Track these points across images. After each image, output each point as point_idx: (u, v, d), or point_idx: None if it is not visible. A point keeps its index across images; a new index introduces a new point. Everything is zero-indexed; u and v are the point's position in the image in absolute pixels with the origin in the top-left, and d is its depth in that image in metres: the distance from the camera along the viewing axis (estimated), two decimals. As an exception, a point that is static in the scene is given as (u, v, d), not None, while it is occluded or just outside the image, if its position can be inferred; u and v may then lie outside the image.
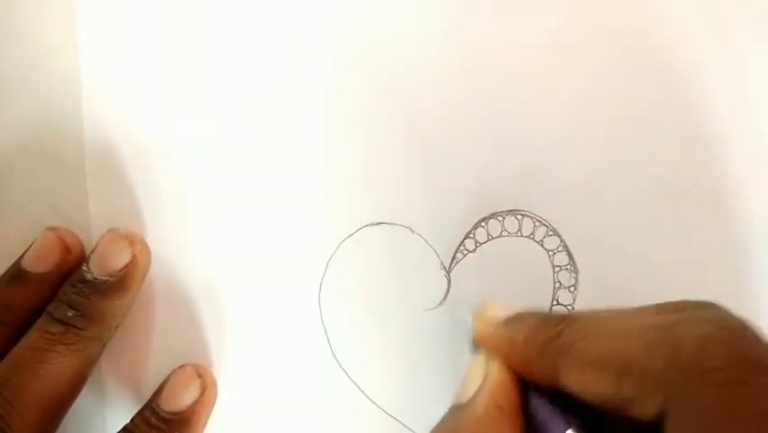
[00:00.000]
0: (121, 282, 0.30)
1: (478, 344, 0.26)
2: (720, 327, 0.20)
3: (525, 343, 0.24)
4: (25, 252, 0.31)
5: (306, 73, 0.32)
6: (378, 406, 0.31)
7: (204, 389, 0.31)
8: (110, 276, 0.30)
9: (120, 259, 0.30)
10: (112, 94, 0.32)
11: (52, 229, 0.31)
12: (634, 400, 0.20)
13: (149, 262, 0.31)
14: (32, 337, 0.29)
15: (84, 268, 0.30)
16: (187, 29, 0.32)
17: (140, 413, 0.30)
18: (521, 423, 0.23)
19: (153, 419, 0.30)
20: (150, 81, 0.32)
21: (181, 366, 0.31)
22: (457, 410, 0.24)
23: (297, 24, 0.32)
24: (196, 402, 0.30)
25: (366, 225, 0.31)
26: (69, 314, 0.29)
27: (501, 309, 0.26)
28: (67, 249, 0.31)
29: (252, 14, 0.32)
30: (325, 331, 0.31)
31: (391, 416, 0.31)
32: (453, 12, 0.31)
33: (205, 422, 0.31)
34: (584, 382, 0.22)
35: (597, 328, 0.22)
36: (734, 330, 0.20)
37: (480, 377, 0.24)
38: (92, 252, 0.30)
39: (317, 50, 0.32)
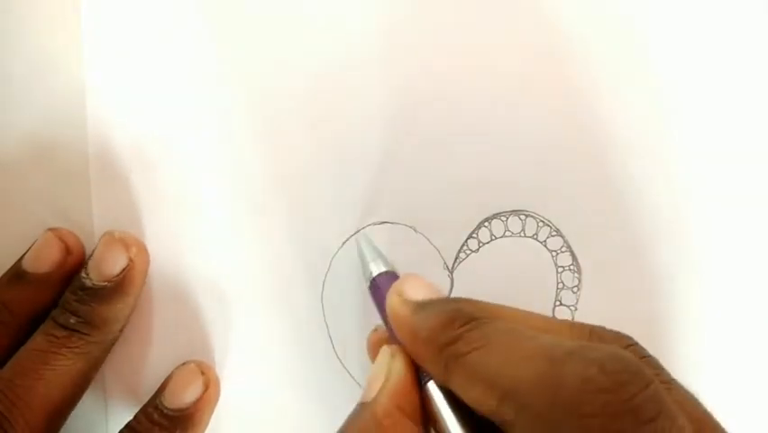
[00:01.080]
0: (119, 287, 0.30)
1: (390, 322, 0.25)
2: (607, 370, 0.19)
3: (425, 340, 0.23)
4: (26, 252, 0.31)
5: (308, 76, 0.31)
6: (381, 405, 0.31)
7: (207, 386, 0.31)
8: (108, 281, 0.30)
9: (117, 264, 0.30)
10: (116, 97, 0.32)
11: (53, 230, 0.31)
12: (513, 425, 0.20)
13: (147, 263, 0.31)
14: (36, 341, 0.29)
15: (83, 274, 0.30)
16: (190, 33, 0.31)
17: (143, 410, 0.31)
18: (421, 422, 0.23)
19: (156, 416, 0.30)
20: (154, 84, 0.32)
21: (184, 363, 0.31)
22: (360, 410, 0.24)
23: (296, 27, 0.31)
24: (200, 399, 0.31)
25: (369, 225, 0.31)
26: (72, 321, 0.29)
27: (419, 289, 0.25)
28: (67, 250, 0.30)
29: (255, 18, 0.31)
30: (328, 330, 0.32)
31: (394, 415, 0.31)
32: (453, 13, 0.31)
33: (208, 419, 0.31)
34: (469, 395, 0.21)
35: (495, 341, 0.21)
36: (619, 375, 0.19)
37: (383, 374, 0.24)
38: (89, 257, 0.30)
39: (319, 51, 0.31)
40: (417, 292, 0.25)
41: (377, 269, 0.28)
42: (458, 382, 0.22)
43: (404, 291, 0.25)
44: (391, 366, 0.24)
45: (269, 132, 0.32)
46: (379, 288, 0.27)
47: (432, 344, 0.23)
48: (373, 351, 0.27)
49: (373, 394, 0.24)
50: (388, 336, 0.26)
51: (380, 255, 0.28)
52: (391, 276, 0.27)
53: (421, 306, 0.24)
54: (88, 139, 0.31)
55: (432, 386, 0.23)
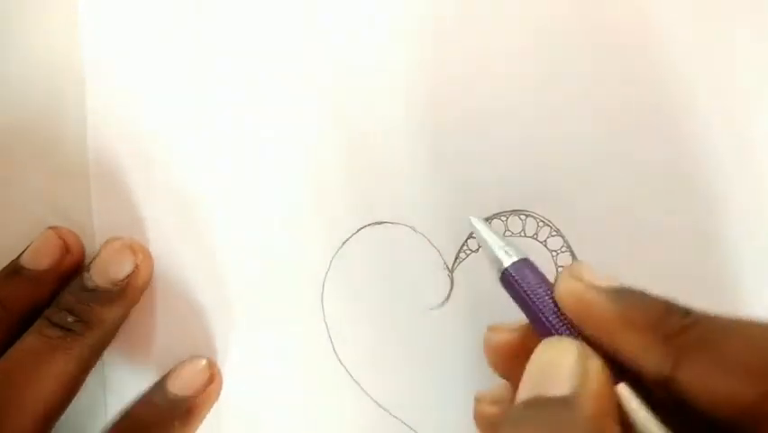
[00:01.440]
0: (122, 292, 0.30)
1: (567, 310, 0.22)
2: None
3: (643, 327, 0.20)
4: (25, 249, 0.31)
5: (308, 75, 0.31)
6: (379, 405, 0.31)
7: (212, 379, 0.31)
8: (112, 285, 0.30)
9: (122, 269, 0.30)
10: (115, 95, 0.32)
11: (53, 228, 0.31)
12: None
13: (151, 270, 0.31)
14: (28, 341, 0.29)
15: (85, 275, 0.30)
16: (190, 33, 0.31)
17: (144, 396, 0.31)
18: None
19: (157, 400, 0.30)
20: (153, 83, 0.32)
21: (191, 357, 0.31)
22: (554, 406, 0.20)
23: (298, 28, 0.31)
24: (203, 392, 0.31)
25: (369, 225, 0.31)
26: (69, 319, 0.29)
27: (599, 277, 0.22)
28: (66, 248, 0.30)
29: (255, 18, 0.31)
30: (328, 330, 0.32)
31: (393, 415, 0.31)
32: (453, 12, 0.31)
33: (206, 413, 0.31)
34: (714, 387, 0.19)
35: (734, 331, 0.20)
36: None
37: (571, 368, 0.21)
38: (94, 259, 0.30)
39: (320, 52, 0.31)
40: (602, 279, 0.22)
41: (511, 256, 0.25)
42: (695, 373, 0.19)
43: (590, 278, 0.22)
44: (588, 361, 0.21)
45: (269, 132, 0.31)
46: (522, 275, 0.24)
47: (653, 332, 0.20)
48: (509, 352, 0.25)
49: (564, 390, 0.20)
50: (534, 331, 0.24)
51: (509, 242, 0.26)
52: (526, 263, 0.25)
53: (619, 293, 0.22)
54: (88, 139, 0.31)
55: (623, 388, 0.21)
